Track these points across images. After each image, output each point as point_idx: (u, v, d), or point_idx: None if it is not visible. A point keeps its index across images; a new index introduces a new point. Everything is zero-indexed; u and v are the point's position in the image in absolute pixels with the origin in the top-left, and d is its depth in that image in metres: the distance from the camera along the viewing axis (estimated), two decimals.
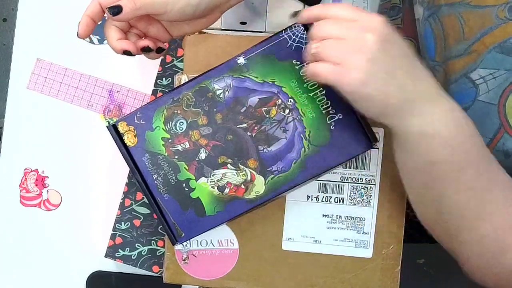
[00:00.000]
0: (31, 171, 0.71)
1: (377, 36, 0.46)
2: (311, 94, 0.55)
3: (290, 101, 0.55)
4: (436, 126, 0.48)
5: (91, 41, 0.71)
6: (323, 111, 0.55)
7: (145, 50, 0.57)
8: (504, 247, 0.50)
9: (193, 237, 0.56)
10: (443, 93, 0.49)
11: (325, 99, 0.55)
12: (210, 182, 0.56)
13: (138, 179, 0.56)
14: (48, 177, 0.71)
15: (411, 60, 0.48)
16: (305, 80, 0.55)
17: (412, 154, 0.50)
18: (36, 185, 0.71)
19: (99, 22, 0.55)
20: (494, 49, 0.57)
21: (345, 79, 0.46)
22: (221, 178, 0.56)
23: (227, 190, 0.56)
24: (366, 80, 0.46)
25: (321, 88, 0.55)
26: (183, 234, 0.56)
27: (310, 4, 0.71)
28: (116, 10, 0.53)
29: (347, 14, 0.47)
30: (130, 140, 0.56)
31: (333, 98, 0.55)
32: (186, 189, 0.56)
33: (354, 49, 0.46)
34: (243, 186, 0.55)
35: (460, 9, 0.60)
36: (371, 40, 0.46)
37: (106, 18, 0.55)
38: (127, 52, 0.56)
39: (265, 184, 0.55)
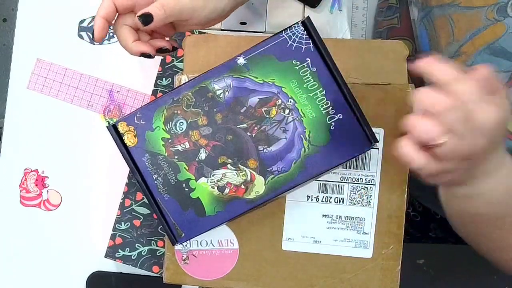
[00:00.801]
0: (31, 171, 0.71)
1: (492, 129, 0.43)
2: (311, 94, 0.55)
3: (290, 101, 0.55)
4: (484, 191, 0.49)
5: (91, 41, 0.71)
6: (323, 111, 0.55)
7: (162, 51, 0.56)
8: None
9: (193, 237, 0.56)
10: (504, 157, 0.49)
11: (325, 99, 0.55)
12: (210, 182, 0.56)
13: (138, 179, 0.56)
14: (48, 177, 0.71)
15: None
16: (305, 80, 0.55)
17: (454, 205, 0.53)
18: (36, 185, 0.71)
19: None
20: (484, 50, 0.58)
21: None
22: (221, 178, 0.56)
23: (227, 190, 0.56)
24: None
25: (321, 88, 0.55)
26: (183, 234, 0.56)
27: (310, 4, 0.71)
28: (148, 19, 0.51)
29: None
30: (130, 140, 0.56)
31: (333, 98, 0.55)
32: (186, 189, 0.56)
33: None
34: (243, 186, 0.55)
35: (450, 10, 0.61)
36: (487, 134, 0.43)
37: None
38: (146, 55, 0.54)
39: (265, 184, 0.55)
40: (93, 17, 0.71)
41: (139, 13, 0.52)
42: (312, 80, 0.55)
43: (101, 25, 0.53)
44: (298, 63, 0.55)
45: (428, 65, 0.44)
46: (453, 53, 0.61)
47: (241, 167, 0.55)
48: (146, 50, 0.54)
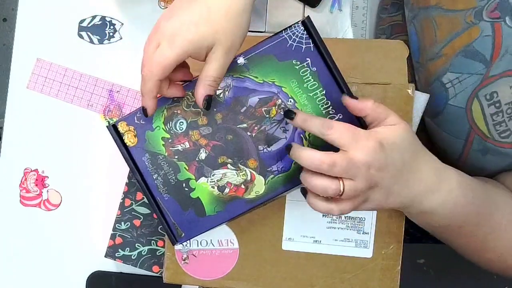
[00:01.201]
0: (31, 171, 0.71)
1: (372, 171, 0.48)
2: (311, 94, 0.55)
3: (290, 101, 0.55)
4: (434, 207, 0.53)
5: (91, 41, 0.71)
6: (323, 111, 0.55)
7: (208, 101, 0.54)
8: (507, 268, 0.57)
9: (193, 237, 0.56)
10: (443, 173, 0.53)
11: (325, 99, 0.55)
12: (210, 182, 0.56)
13: (138, 179, 0.56)
14: (48, 177, 0.71)
15: (409, 158, 0.51)
16: (305, 80, 0.55)
17: (418, 221, 0.57)
18: (36, 185, 0.71)
19: None
20: (460, 53, 0.58)
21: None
22: (221, 178, 0.56)
23: (227, 190, 0.56)
24: (378, 207, 0.52)
25: (321, 88, 0.55)
26: (183, 234, 0.56)
27: (310, 4, 0.71)
28: (209, 101, 0.52)
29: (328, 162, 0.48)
30: (130, 140, 0.56)
31: (333, 98, 0.55)
32: (186, 189, 0.56)
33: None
34: (243, 186, 0.55)
35: (434, 12, 0.61)
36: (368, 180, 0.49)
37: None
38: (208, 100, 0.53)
39: (265, 184, 0.55)
40: (93, 17, 0.71)
41: (202, 101, 0.52)
42: (312, 80, 0.55)
43: (153, 105, 0.53)
44: (298, 63, 0.55)
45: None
46: (435, 54, 0.62)
47: (241, 167, 0.55)
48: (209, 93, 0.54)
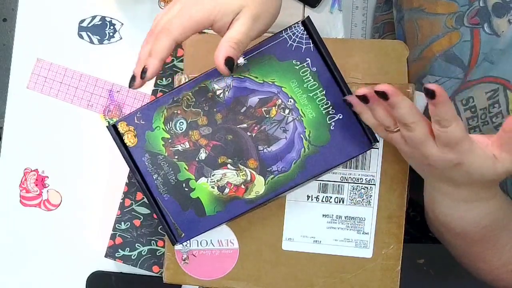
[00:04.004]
0: (31, 171, 0.71)
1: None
2: (311, 94, 0.55)
3: (290, 101, 0.55)
4: (473, 213, 0.53)
5: (91, 41, 0.71)
6: (323, 111, 0.55)
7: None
8: (496, 279, 0.58)
9: (193, 237, 0.56)
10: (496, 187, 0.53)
11: (325, 99, 0.55)
12: (210, 182, 0.56)
13: (138, 179, 0.56)
14: (48, 177, 0.71)
15: None
16: (305, 80, 0.55)
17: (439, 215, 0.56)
18: (36, 185, 0.71)
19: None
20: (440, 56, 0.59)
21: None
22: (221, 178, 0.56)
23: (227, 190, 0.56)
24: None
25: (321, 88, 0.55)
26: (183, 234, 0.56)
27: (310, 4, 0.71)
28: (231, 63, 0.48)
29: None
30: (130, 140, 0.56)
31: (333, 98, 0.55)
32: (186, 189, 0.56)
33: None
34: (243, 186, 0.55)
35: (416, 15, 0.62)
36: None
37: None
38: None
39: (265, 184, 0.55)
40: (93, 17, 0.71)
41: (223, 62, 0.46)
42: (312, 80, 0.55)
43: (157, 69, 0.48)
44: (298, 63, 0.55)
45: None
46: (416, 56, 0.62)
47: (241, 167, 0.55)
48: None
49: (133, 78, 0.49)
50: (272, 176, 0.55)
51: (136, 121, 0.56)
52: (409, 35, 0.64)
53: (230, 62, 0.46)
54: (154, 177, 0.56)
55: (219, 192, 0.56)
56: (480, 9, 0.56)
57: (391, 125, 0.50)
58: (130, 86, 0.48)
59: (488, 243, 0.55)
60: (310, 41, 0.55)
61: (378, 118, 0.50)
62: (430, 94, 0.43)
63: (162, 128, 0.56)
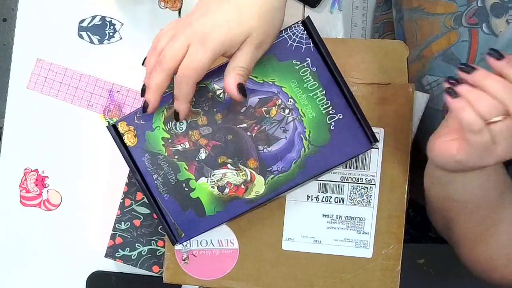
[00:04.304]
0: (31, 171, 0.71)
1: None
2: (311, 94, 0.55)
3: (290, 101, 0.55)
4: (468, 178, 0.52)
5: (91, 41, 0.71)
6: (323, 111, 0.55)
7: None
8: (490, 269, 0.57)
9: (193, 237, 0.56)
10: None
11: (325, 99, 0.55)
12: (210, 182, 0.56)
13: (138, 179, 0.56)
14: (48, 177, 0.71)
15: None
16: (305, 80, 0.55)
17: (439, 187, 0.55)
18: (36, 185, 0.71)
19: None
20: (439, 56, 0.59)
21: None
22: (221, 178, 0.56)
23: (227, 190, 0.56)
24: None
25: (321, 88, 0.55)
26: (183, 234, 0.56)
27: (310, 4, 0.71)
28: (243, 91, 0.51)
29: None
30: (130, 140, 0.56)
31: (333, 98, 0.55)
32: (186, 189, 0.56)
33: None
34: (243, 186, 0.55)
35: (416, 15, 0.62)
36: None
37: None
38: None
39: (265, 184, 0.55)
40: (93, 17, 0.71)
41: (235, 89, 0.50)
42: (312, 80, 0.55)
43: (188, 109, 0.52)
44: (298, 63, 0.55)
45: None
46: (415, 56, 0.63)
47: (241, 167, 0.55)
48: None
49: (176, 116, 0.53)
50: (272, 176, 0.55)
51: (136, 121, 0.56)
52: (409, 35, 0.64)
53: (242, 88, 0.50)
54: (154, 177, 0.56)
55: (219, 192, 0.56)
56: (478, 9, 0.56)
57: (498, 112, 0.44)
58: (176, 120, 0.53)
59: (492, 217, 0.55)
60: (310, 41, 0.55)
61: (482, 108, 0.44)
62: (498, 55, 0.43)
63: (162, 128, 0.56)
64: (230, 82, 0.50)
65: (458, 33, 0.57)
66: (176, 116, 0.53)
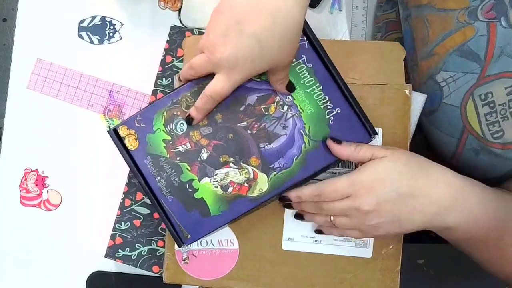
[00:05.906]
0: (31, 171, 0.71)
1: (373, 213, 0.53)
2: (308, 90, 0.55)
3: (288, 98, 0.56)
4: (455, 224, 0.54)
5: (91, 41, 0.71)
6: (321, 106, 0.55)
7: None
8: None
9: (200, 238, 0.56)
10: (459, 191, 0.54)
11: (323, 94, 0.56)
12: (213, 181, 0.56)
13: (141, 182, 0.56)
14: (48, 177, 0.71)
15: (407, 186, 0.53)
16: (301, 77, 0.55)
17: (443, 236, 0.58)
18: (36, 185, 0.71)
19: None
20: (454, 52, 0.59)
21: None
22: (224, 177, 0.56)
23: (230, 189, 0.56)
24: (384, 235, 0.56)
25: (318, 84, 0.55)
26: (189, 236, 0.56)
27: (310, 4, 0.71)
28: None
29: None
30: (131, 144, 0.56)
31: (330, 93, 0.55)
32: (190, 190, 0.56)
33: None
34: (246, 185, 0.55)
35: (426, 11, 0.62)
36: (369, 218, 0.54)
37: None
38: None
39: (268, 181, 0.55)
40: (93, 17, 0.71)
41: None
42: (309, 76, 0.55)
43: (202, 119, 0.57)
44: (294, 60, 0.55)
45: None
46: (427, 53, 0.62)
47: (243, 165, 0.55)
48: None
49: (189, 121, 0.57)
50: (275, 172, 0.55)
51: (136, 124, 0.56)
52: (418, 32, 0.64)
53: (288, 86, 0.57)
54: (157, 180, 0.56)
55: (222, 192, 0.56)
56: (496, 3, 0.56)
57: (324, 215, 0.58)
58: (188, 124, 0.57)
59: (505, 239, 0.55)
60: (305, 38, 0.55)
61: (318, 218, 0.59)
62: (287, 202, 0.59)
63: (163, 130, 0.56)
64: (280, 89, 0.56)
65: (475, 28, 0.57)
66: (189, 121, 0.56)
